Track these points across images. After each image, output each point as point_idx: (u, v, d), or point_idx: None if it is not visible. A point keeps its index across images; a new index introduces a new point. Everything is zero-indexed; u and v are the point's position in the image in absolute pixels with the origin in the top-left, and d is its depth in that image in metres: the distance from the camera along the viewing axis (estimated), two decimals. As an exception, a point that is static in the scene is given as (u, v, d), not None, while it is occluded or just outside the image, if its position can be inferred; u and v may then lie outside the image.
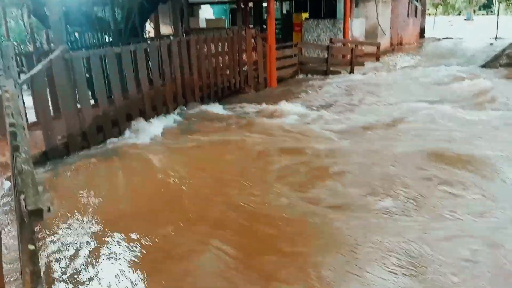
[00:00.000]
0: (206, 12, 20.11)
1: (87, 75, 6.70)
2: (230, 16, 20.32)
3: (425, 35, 25.30)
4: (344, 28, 15.14)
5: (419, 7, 23.96)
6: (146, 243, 3.63)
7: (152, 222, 3.98)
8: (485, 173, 4.79)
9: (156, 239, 3.68)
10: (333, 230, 3.75)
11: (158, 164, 5.44)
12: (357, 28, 16.30)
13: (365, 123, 7.05)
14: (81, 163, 5.64)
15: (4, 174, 4.88)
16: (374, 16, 16.78)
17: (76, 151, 5.96)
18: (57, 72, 5.72)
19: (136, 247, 3.57)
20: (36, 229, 3.53)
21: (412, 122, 6.99)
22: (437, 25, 33.79)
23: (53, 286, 3.10)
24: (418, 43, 22.33)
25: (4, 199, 4.52)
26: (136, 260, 3.41)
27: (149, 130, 6.81)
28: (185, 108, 8.18)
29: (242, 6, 14.29)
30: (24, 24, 14.20)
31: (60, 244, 3.67)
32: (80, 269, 3.30)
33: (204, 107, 8.34)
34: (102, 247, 3.60)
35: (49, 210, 1.71)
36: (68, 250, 3.56)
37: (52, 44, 9.92)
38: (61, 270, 3.29)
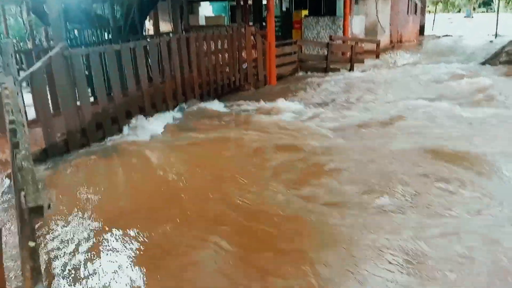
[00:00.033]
0: (206, 10, 20.10)
1: (87, 73, 6.70)
2: (230, 13, 20.29)
3: (425, 32, 25.30)
4: (344, 26, 15.13)
5: (419, 5, 23.96)
6: (145, 240, 3.64)
7: (151, 219, 3.99)
8: (483, 170, 4.79)
9: (156, 236, 3.70)
10: (329, 227, 3.75)
11: (157, 162, 5.45)
12: (357, 25, 16.30)
13: (363, 120, 7.06)
14: (81, 160, 5.65)
15: (4, 171, 4.89)
16: (374, 13, 16.77)
17: (76, 148, 5.98)
18: (56, 69, 5.73)
19: (135, 244, 3.59)
20: (36, 226, 3.55)
21: (410, 119, 6.99)
22: (437, 22, 33.75)
23: (53, 282, 3.12)
24: (418, 41, 22.34)
25: (4, 196, 4.53)
26: (135, 256, 3.42)
27: (149, 127, 6.83)
28: (184, 106, 8.19)
29: (242, 3, 14.26)
30: (23, 21, 14.18)
31: (60, 240, 3.68)
32: (79, 265, 3.31)
33: (203, 104, 8.35)
34: (101, 244, 3.61)
35: (49, 207, 1.72)
36: (67, 247, 3.57)
37: (51, 41, 9.93)
38: (61, 266, 3.31)
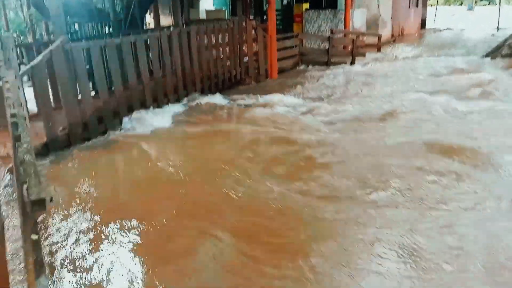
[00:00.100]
0: (206, 3, 20.00)
1: (88, 66, 6.69)
2: (230, 7, 20.20)
3: (426, 25, 25.18)
4: (345, 19, 15.06)
5: (420, -2, 23.83)
6: (144, 231, 3.69)
7: (150, 211, 4.01)
8: (478, 163, 4.78)
9: (154, 227, 3.74)
10: (322, 220, 3.77)
11: (157, 155, 5.47)
12: (358, 18, 16.22)
13: (361, 114, 7.05)
14: (82, 153, 5.67)
15: (5, 165, 4.90)
16: (375, 6, 16.69)
17: (77, 142, 5.99)
18: (57, 63, 5.72)
19: (135, 235, 3.63)
20: (38, 219, 3.56)
21: (407, 113, 6.97)
22: (439, 15, 33.60)
23: (54, 274, 3.13)
24: (419, 34, 22.24)
25: (6, 189, 4.53)
26: (135, 246, 3.46)
27: (150, 121, 6.84)
28: (185, 99, 8.18)
29: (243, -4, 14.22)
30: (23, 15, 14.14)
31: (62, 233, 3.71)
32: (81, 257, 3.34)
33: (204, 98, 8.34)
34: (102, 235, 3.64)
35: (51, 200, 1.72)
36: (69, 239, 3.60)
37: (51, 35, 9.90)
38: (63, 258, 3.33)
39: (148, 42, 7.48)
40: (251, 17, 14.30)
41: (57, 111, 6.01)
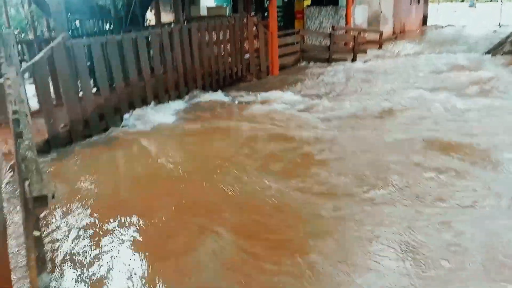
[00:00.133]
0: (207, 0, 19.96)
1: (89, 63, 6.69)
2: (232, 3, 20.16)
3: (428, 22, 25.10)
4: (346, 15, 15.02)
5: (422, -6, 23.74)
6: (144, 228, 3.71)
7: (151, 208, 4.02)
8: (478, 161, 4.77)
9: (154, 224, 3.76)
10: (320, 217, 3.77)
11: (158, 152, 5.47)
12: (359, 15, 16.17)
13: (360, 111, 7.04)
14: (84, 150, 5.68)
15: (7, 162, 4.91)
16: (376, 3, 16.64)
17: (79, 138, 5.99)
18: (58, 59, 5.72)
19: (135, 231, 3.65)
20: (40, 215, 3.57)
21: (406, 110, 6.95)
22: (440, 12, 33.48)
23: (56, 270, 3.14)
24: (421, 31, 22.16)
25: (7, 187, 4.54)
26: (135, 243, 3.47)
27: (151, 118, 6.84)
28: (187, 96, 8.18)
29: (244, -7, 14.19)
30: (24, 12, 14.13)
31: (63, 229, 3.73)
32: (82, 253, 3.36)
33: (205, 95, 8.33)
34: (103, 232, 3.65)
35: (53, 196, 1.72)
36: (70, 235, 3.62)
37: (53, 32, 9.90)
38: (65, 254, 3.34)
39: (149, 39, 7.47)
40: (252, 13, 14.26)
41: (58, 108, 6.02)
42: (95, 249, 3.42)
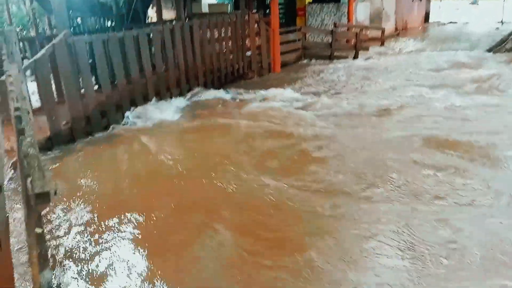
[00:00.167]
0: (209, -3, 19.92)
1: (90, 61, 6.69)
2: (233, 0, 20.13)
3: (430, 19, 25.03)
4: (348, 12, 14.98)
5: (424, -9, 23.67)
6: (145, 224, 3.73)
7: (151, 206, 4.02)
8: (477, 158, 4.74)
9: (154, 221, 3.77)
10: (319, 215, 3.76)
11: (159, 150, 5.47)
12: (361, 12, 16.14)
13: (361, 108, 7.03)
14: (85, 147, 5.70)
15: (9, 159, 4.92)
16: (378, 0, 16.59)
17: (81, 136, 6.00)
18: (60, 57, 5.72)
19: (135, 229, 3.65)
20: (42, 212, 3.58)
21: (405, 108, 6.92)
22: (443, 9, 33.38)
23: (57, 267, 3.15)
24: (423, 28, 22.11)
25: (10, 183, 4.56)
26: (135, 241, 3.48)
27: (152, 115, 6.85)
28: (188, 94, 8.18)
29: (245, -10, 14.18)
30: (26, 9, 14.13)
31: (64, 226, 3.74)
32: (82, 250, 3.37)
33: (207, 92, 8.33)
34: (104, 230, 3.67)
35: (55, 193, 1.72)
36: (71, 233, 3.63)
37: (54, 29, 9.90)
38: (66, 251, 3.35)
39: (151, 36, 7.47)
40: (254, 10, 14.24)
41: (60, 105, 6.02)
42: (96, 246, 3.43)
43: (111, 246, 3.42)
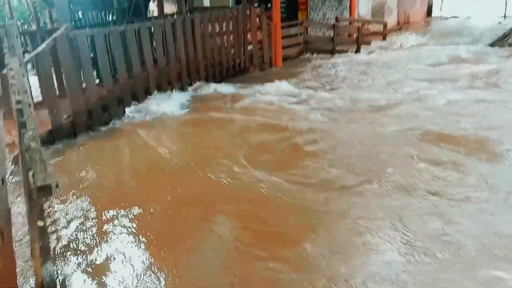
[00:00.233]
0: (210, -9, 19.84)
1: (92, 54, 6.68)
2: (235, -6, 20.06)
3: (432, 13, 24.91)
4: (350, 6, 14.90)
5: (427, -15, 23.55)
6: (145, 217, 3.76)
7: (150, 200, 4.04)
8: (475, 153, 4.71)
9: (153, 215, 3.80)
10: (312, 208, 3.77)
11: (159, 144, 5.50)
12: (363, 6, 16.06)
13: (361, 103, 7.00)
14: (86, 141, 5.72)
15: (11, 153, 4.93)
16: (381, -6, 16.51)
17: (82, 129, 6.00)
18: (61, 50, 5.71)
19: (135, 221, 3.68)
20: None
21: (406, 103, 6.86)
22: (445, 3, 33.20)
23: (59, 260, 3.16)
24: (426, 22, 21.99)
25: (12, 177, 4.57)
26: (135, 233, 3.50)
27: (153, 109, 6.86)
28: (189, 88, 8.18)
29: (247, -16, 14.09)
30: (27, 3, 14.10)
31: (65, 220, 3.76)
32: (83, 243, 3.39)
33: (208, 86, 8.32)
34: (105, 223, 3.68)
35: (57, 186, 1.72)
36: (72, 226, 3.66)
37: (55, 23, 9.88)
38: (68, 245, 3.37)
39: (152, 30, 7.45)
40: (256, 4, 14.18)
41: (61, 99, 6.02)
42: (98, 238, 3.45)
43: (113, 239, 3.45)
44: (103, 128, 6.22)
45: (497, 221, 3.41)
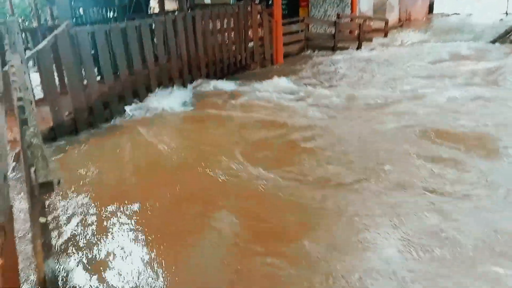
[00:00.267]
0: (211, -13, 19.81)
1: (93, 51, 6.68)
2: (236, -9, 20.03)
3: (434, 10, 24.85)
4: (351, 3, 14.87)
5: (428, -18, 23.48)
6: (145, 213, 3.78)
7: (150, 197, 4.06)
8: (473, 150, 4.69)
9: (153, 211, 3.83)
10: (309, 205, 3.78)
11: (160, 141, 5.50)
12: (365, 3, 16.01)
13: (358, 100, 6.99)
14: (88, 138, 5.73)
15: (12, 150, 4.94)
16: (382, -10, 16.47)
17: (84, 126, 6.02)
18: (62, 47, 5.72)
19: (136, 217, 3.71)
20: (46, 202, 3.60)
21: (403, 101, 6.80)
22: (447, 0, 33.12)
23: (61, 255, 3.18)
24: (427, 19, 21.94)
25: (14, 173, 4.58)
26: (136, 228, 3.53)
27: (154, 106, 6.87)
28: (191, 84, 8.18)
29: (248, -20, 14.06)
30: (28, 0, 14.09)
31: (67, 216, 3.78)
32: (84, 239, 3.42)
33: (209, 83, 8.31)
34: (104, 218, 3.72)
35: (59, 182, 1.73)
36: (73, 222, 3.68)
37: (56, 20, 9.88)
38: (70, 240, 3.39)
39: (153, 27, 7.44)
40: (257, 1, 14.16)
41: (62, 96, 6.03)
42: (100, 235, 3.47)
43: (114, 235, 3.47)
44: (105, 125, 6.24)
45: (497, 218, 3.41)
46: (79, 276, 2.99)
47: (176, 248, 3.29)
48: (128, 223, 3.63)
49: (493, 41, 12.27)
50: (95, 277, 2.97)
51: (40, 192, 1.72)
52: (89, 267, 3.07)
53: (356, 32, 12.94)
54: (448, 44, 12.20)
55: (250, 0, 10.00)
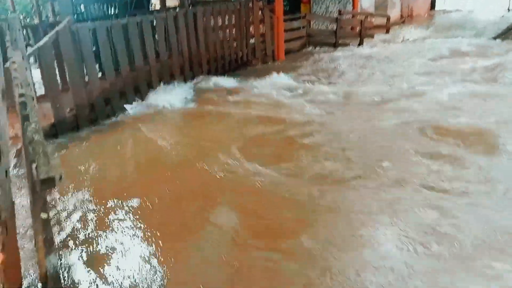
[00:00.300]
0: (213, -16, 19.75)
1: (94, 48, 6.69)
2: (237, -13, 19.97)
3: (436, 6, 24.76)
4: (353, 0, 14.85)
5: (430, -22, 23.38)
6: (145, 209, 3.80)
7: (150, 193, 4.08)
8: (472, 147, 4.69)
9: (153, 207, 3.85)
10: (307, 202, 3.79)
11: (160, 137, 5.53)
12: (366, -1, 15.97)
13: (358, 96, 7.00)
14: (89, 135, 5.75)
15: (14, 146, 4.96)
16: (384, -13, 16.42)
17: (85, 123, 6.04)
18: (64, 44, 5.73)
19: (136, 213, 3.74)
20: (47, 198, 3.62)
21: (402, 99, 6.78)
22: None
23: (62, 251, 3.20)
24: (429, 15, 21.86)
25: (15, 169, 4.60)
26: (136, 224, 3.55)
27: (156, 102, 6.90)
28: (192, 81, 8.19)
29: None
30: (29, -4, 14.08)
31: (68, 212, 3.80)
32: (85, 235, 3.44)
33: (210, 79, 8.33)
34: (106, 215, 3.74)
35: (60, 178, 1.74)
36: (75, 218, 3.71)
37: (58, 17, 9.88)
38: (71, 236, 3.41)
39: (154, 23, 7.45)
40: (258, -2, 14.13)
41: (64, 92, 6.05)
42: (101, 230, 3.49)
43: (115, 231, 3.49)
44: (106, 122, 6.26)
45: (496, 215, 3.41)
46: (79, 271, 3.01)
47: (176, 243, 3.31)
48: (129, 219, 3.65)
49: (495, 38, 12.24)
50: (95, 272, 2.99)
51: (41, 188, 1.74)
52: (90, 263, 3.09)
53: (358, 28, 12.92)
54: (449, 41, 12.18)
55: (251, -4, 9.98)
